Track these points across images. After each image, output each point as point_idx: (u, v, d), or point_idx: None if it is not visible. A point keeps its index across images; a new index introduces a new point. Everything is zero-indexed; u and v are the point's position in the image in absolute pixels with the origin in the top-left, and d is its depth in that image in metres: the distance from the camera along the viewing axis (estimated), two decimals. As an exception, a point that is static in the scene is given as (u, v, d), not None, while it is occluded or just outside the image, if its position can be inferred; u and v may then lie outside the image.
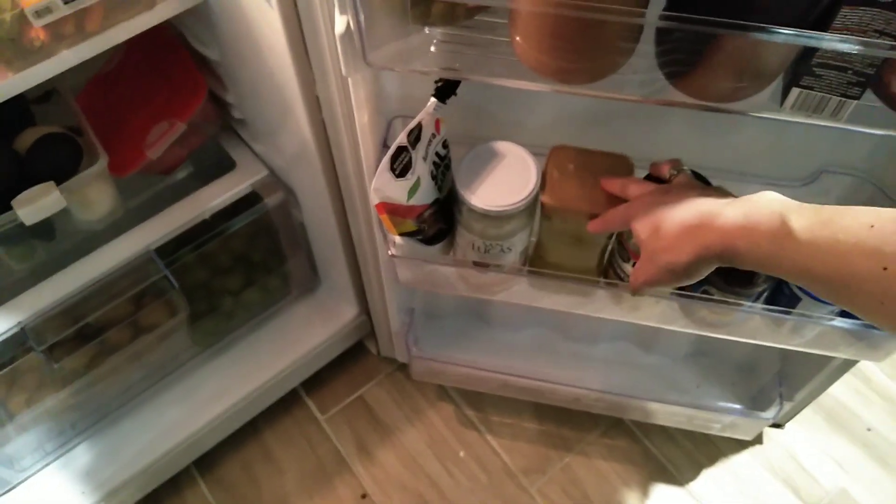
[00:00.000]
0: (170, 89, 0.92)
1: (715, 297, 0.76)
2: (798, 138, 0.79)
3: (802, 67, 0.52)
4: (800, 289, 0.74)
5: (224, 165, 1.01)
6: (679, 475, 1.19)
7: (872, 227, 0.46)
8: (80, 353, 0.97)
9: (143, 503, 1.11)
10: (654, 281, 0.62)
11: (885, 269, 0.44)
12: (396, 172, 0.67)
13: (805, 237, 0.49)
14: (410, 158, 0.68)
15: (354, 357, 1.29)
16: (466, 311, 1.22)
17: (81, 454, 1.07)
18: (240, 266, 1.12)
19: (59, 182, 0.83)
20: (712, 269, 0.58)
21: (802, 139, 0.79)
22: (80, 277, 0.91)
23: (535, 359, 1.18)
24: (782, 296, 0.76)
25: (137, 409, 1.11)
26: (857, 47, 0.48)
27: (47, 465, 1.06)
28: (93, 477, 1.05)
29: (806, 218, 0.49)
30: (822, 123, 0.55)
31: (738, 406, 1.10)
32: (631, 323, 1.09)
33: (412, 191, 0.70)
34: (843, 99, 0.53)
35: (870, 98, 0.56)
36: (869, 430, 1.24)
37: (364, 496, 1.17)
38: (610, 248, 0.80)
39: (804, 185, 0.83)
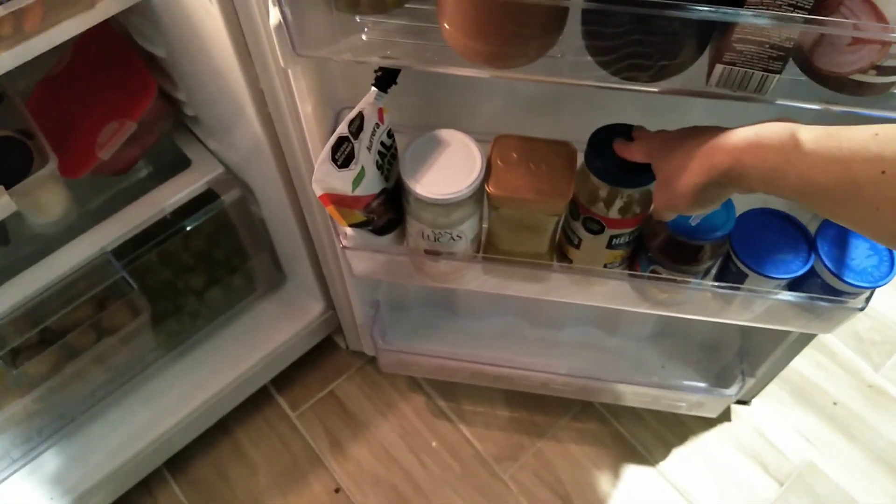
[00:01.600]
0: (119, 89, 0.91)
1: (663, 276, 0.77)
2: (738, 117, 0.79)
3: (724, 43, 0.53)
4: (745, 265, 0.75)
5: (180, 164, 1.01)
6: (649, 456, 1.20)
7: (877, 135, 0.46)
8: (42, 358, 0.97)
9: (115, 506, 1.11)
10: (671, 206, 0.63)
11: (883, 172, 0.45)
12: (338, 163, 0.67)
13: (810, 147, 0.49)
14: (353, 148, 0.68)
15: (324, 353, 1.30)
16: (433, 303, 1.22)
17: (49, 460, 1.07)
18: (202, 265, 1.12)
19: (8, 186, 0.82)
20: (724, 194, 0.59)
21: (743, 118, 0.79)
22: (35, 281, 0.91)
23: (503, 346, 1.18)
24: (729, 273, 0.77)
25: (105, 412, 1.11)
26: (770, 21, 0.48)
27: (14, 472, 1.05)
28: (62, 482, 1.05)
29: (813, 131, 0.50)
30: (749, 98, 0.56)
31: (702, 384, 1.12)
32: (594, 307, 1.10)
33: (357, 181, 0.70)
34: (766, 73, 0.54)
35: (796, 72, 0.57)
36: (835, 403, 1.26)
37: (338, 490, 1.18)
38: (559, 231, 0.80)
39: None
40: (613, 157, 0.71)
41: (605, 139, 0.72)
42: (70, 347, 1.00)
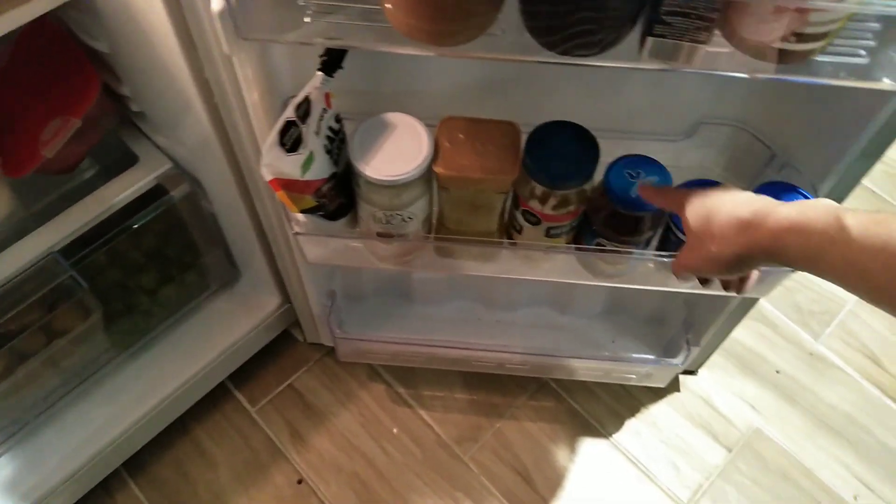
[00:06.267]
0: (62, 85, 0.90)
1: (607, 248, 0.80)
2: (676, 94, 0.83)
3: (654, 16, 0.55)
4: (684, 233, 0.78)
5: (128, 161, 1.00)
6: (603, 429, 1.24)
7: None
8: (-9, 362, 0.95)
9: (74, 509, 1.10)
10: (697, 267, 0.64)
11: None
12: (287, 147, 0.68)
13: (858, 233, 0.50)
14: (301, 133, 0.69)
15: (282, 346, 1.30)
16: (388, 291, 1.24)
17: (3, 466, 1.05)
18: (154, 263, 1.11)
19: (-51, 186, 0.81)
20: (757, 266, 0.60)
21: (680, 94, 0.83)
22: (-20, 284, 0.89)
23: (460, 330, 1.21)
24: (670, 243, 0.81)
25: (59, 415, 1.09)
26: (694, -8, 0.51)
27: (-33, 480, 1.03)
28: (16, 489, 1.03)
29: (860, 217, 0.50)
30: (678, 69, 0.59)
31: (650, 356, 1.16)
32: (546, 287, 1.13)
33: (306, 165, 0.71)
34: (694, 44, 0.57)
35: (723, 43, 0.60)
36: (778, 372, 1.32)
37: (300, 482, 1.18)
38: (508, 209, 0.83)
39: (686, 138, 0.87)
40: (548, 157, 0.73)
41: (542, 138, 0.75)
42: (20, 351, 0.98)
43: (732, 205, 0.60)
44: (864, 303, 1.41)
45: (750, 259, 0.59)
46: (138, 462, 1.16)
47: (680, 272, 0.67)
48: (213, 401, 1.22)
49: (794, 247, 0.54)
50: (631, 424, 1.24)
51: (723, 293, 0.87)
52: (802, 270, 0.55)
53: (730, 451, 1.23)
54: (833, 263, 0.52)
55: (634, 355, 1.16)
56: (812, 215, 0.53)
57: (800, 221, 0.54)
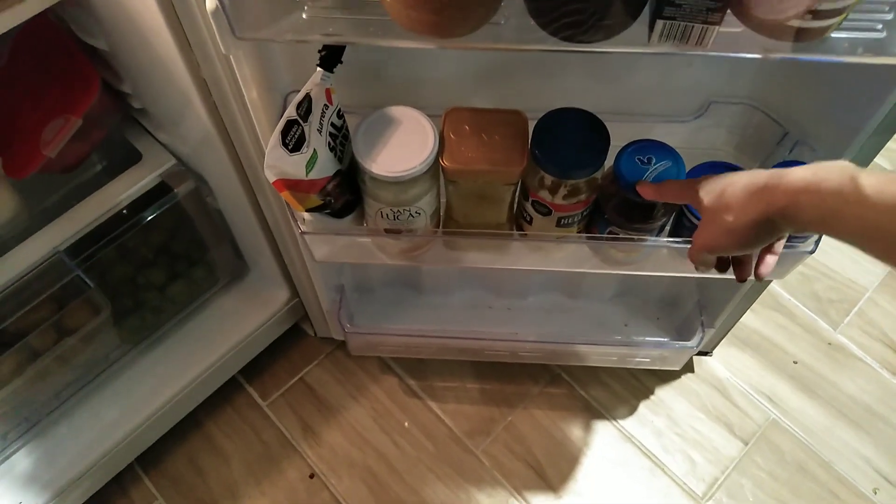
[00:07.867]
0: (62, 84, 0.89)
1: (620, 236, 0.78)
2: (685, 73, 0.81)
3: (663, -1, 0.53)
4: (698, 218, 0.76)
5: (132, 158, 0.99)
6: (617, 422, 1.22)
7: None
8: (2, 362, 0.95)
9: (88, 505, 1.10)
10: (713, 244, 0.62)
11: None
12: (290, 147, 0.66)
13: (872, 191, 0.49)
14: (303, 131, 0.67)
15: (292, 340, 1.29)
16: (397, 282, 1.23)
17: (17, 463, 1.05)
18: (162, 260, 1.11)
19: (-49, 189, 0.81)
20: (776, 232, 0.58)
21: (689, 74, 0.81)
22: (-14, 285, 0.89)
23: (470, 319, 1.19)
24: (683, 228, 0.79)
25: (71, 412, 1.09)
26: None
27: (-20, 479, 1.04)
28: (31, 485, 1.04)
29: (875, 176, 0.50)
30: (690, 52, 0.57)
31: (664, 339, 1.14)
32: (556, 274, 1.11)
33: (310, 164, 0.69)
34: (705, 26, 0.54)
35: (735, 23, 0.57)
36: (796, 362, 1.29)
37: (312, 476, 1.18)
38: (517, 200, 0.81)
39: (696, 118, 0.85)
40: (556, 147, 0.72)
41: (550, 127, 0.73)
42: (31, 349, 0.98)
43: (748, 176, 0.59)
44: (884, 291, 1.37)
45: (768, 224, 0.57)
46: (151, 457, 1.17)
47: (697, 255, 0.65)
48: (224, 395, 1.22)
49: (808, 207, 0.53)
50: (645, 416, 1.23)
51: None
52: (819, 232, 0.55)
53: (746, 443, 1.21)
54: (848, 223, 0.51)
55: (648, 338, 1.14)
56: (825, 175, 0.52)
57: (814, 182, 0.53)
